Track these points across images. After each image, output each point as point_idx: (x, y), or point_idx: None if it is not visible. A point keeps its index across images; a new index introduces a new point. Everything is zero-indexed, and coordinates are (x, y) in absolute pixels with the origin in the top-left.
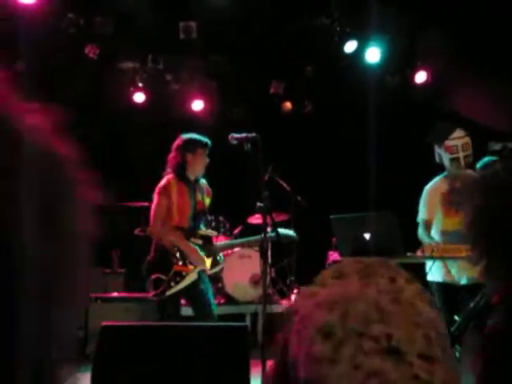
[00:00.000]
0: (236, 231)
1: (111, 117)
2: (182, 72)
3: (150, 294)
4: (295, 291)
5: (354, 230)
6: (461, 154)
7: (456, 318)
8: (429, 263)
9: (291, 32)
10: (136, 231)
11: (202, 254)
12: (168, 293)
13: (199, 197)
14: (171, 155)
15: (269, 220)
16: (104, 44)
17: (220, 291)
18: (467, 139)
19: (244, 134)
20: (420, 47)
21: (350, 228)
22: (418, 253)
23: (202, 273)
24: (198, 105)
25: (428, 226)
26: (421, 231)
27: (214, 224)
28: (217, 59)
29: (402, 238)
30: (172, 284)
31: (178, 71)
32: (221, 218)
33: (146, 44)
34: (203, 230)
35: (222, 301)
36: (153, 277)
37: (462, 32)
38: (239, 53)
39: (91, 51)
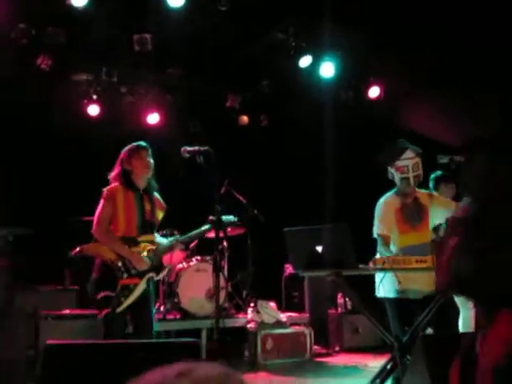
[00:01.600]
0: (192, 245)
1: (64, 129)
2: (137, 84)
3: (100, 314)
4: (251, 305)
5: (306, 242)
6: (411, 174)
7: (407, 328)
8: (378, 279)
9: (247, 46)
10: (73, 252)
11: (145, 258)
12: (119, 309)
13: (148, 206)
14: (113, 170)
15: (221, 234)
16: (57, 55)
17: (175, 306)
18: (417, 159)
19: (196, 147)
20: (373, 63)
21: (303, 241)
22: (370, 265)
23: (150, 282)
24: (153, 118)
25: (386, 241)
26: (380, 247)
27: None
28: (172, 72)
29: (354, 250)
30: (122, 299)
31: (133, 84)
32: (175, 232)
33: (100, 56)
34: (145, 236)
35: (178, 316)
36: (99, 296)
37: (413, 48)
38: (195, 66)
39: (43, 62)
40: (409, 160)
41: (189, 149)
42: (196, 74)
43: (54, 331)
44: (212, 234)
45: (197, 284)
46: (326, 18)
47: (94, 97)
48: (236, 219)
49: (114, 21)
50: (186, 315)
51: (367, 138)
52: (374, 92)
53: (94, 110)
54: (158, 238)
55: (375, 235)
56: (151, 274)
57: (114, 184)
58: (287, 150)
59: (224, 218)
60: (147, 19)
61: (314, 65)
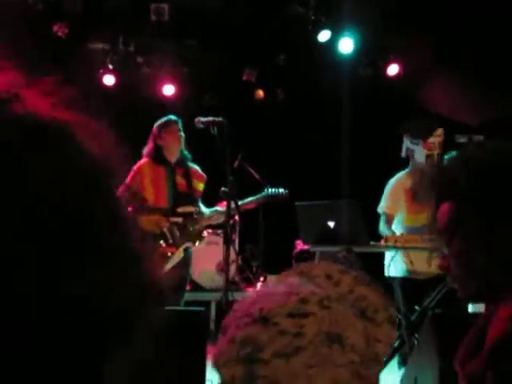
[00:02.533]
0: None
1: (80, 99)
2: (154, 55)
3: None
4: (261, 279)
5: (318, 217)
6: (436, 152)
7: (417, 307)
8: (388, 258)
9: (265, 19)
10: None
11: (179, 232)
12: None
13: (180, 179)
14: (147, 146)
15: (233, 205)
16: (73, 23)
17: None
18: (443, 137)
19: (211, 118)
20: (392, 40)
21: (315, 215)
22: (382, 242)
23: (189, 251)
24: (169, 89)
25: (389, 219)
26: (382, 224)
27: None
28: (189, 44)
29: (367, 227)
30: None
31: (150, 54)
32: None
33: (116, 25)
34: (184, 207)
35: (188, 287)
36: None
37: (435, 26)
38: (212, 38)
39: (60, 30)
40: (438, 137)
41: (203, 119)
42: (212, 47)
43: None
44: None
45: (208, 257)
46: None
47: (110, 66)
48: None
49: None
50: (197, 287)
51: (385, 115)
52: (393, 69)
53: (109, 79)
54: (203, 209)
55: (380, 211)
56: (188, 244)
57: (143, 160)
58: (303, 126)
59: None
60: None
61: (333, 40)
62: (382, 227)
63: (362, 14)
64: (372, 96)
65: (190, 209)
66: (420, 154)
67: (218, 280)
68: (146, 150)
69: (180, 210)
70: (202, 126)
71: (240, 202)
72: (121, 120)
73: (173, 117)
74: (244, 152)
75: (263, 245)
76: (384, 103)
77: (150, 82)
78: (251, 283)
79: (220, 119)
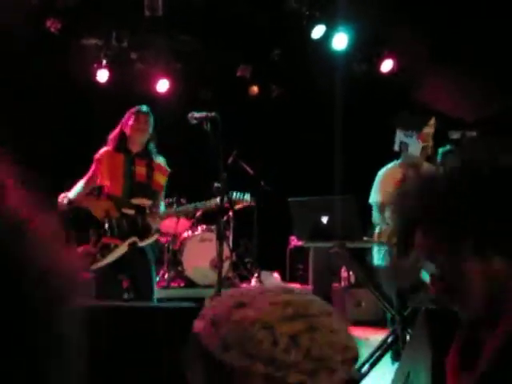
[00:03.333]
0: (198, 214)
1: (73, 95)
2: (148, 50)
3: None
4: (255, 275)
5: (311, 213)
6: (430, 143)
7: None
8: (379, 251)
9: (259, 14)
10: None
11: (105, 211)
12: (94, 266)
13: (141, 170)
14: (113, 132)
15: (226, 201)
16: (66, 19)
17: (179, 274)
18: (434, 129)
19: (204, 113)
20: (387, 36)
21: (308, 211)
22: (375, 237)
23: (149, 248)
24: (163, 85)
25: (382, 208)
26: (375, 214)
27: (175, 206)
28: (183, 39)
29: (360, 222)
30: (98, 257)
31: (144, 49)
32: (182, 200)
33: (110, 20)
34: (139, 199)
35: (182, 284)
36: (80, 249)
37: (429, 22)
38: (206, 34)
39: (53, 25)
40: (431, 127)
41: (196, 115)
42: (207, 42)
43: None
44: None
45: (201, 253)
46: None
47: (104, 62)
48: (247, 196)
49: None
50: (190, 283)
51: (379, 111)
52: (387, 65)
53: (103, 75)
54: (161, 206)
55: (371, 202)
56: (133, 239)
57: (104, 149)
58: (297, 121)
59: (236, 195)
60: None
61: (327, 36)
62: (375, 217)
63: (356, 9)
64: (366, 91)
65: (146, 202)
66: (415, 147)
67: (212, 276)
68: (111, 135)
69: (135, 201)
70: (195, 121)
71: (195, 205)
72: (115, 115)
73: (144, 107)
74: (238, 148)
75: (257, 241)
76: (378, 99)
77: (144, 77)
78: (245, 279)
79: (213, 114)
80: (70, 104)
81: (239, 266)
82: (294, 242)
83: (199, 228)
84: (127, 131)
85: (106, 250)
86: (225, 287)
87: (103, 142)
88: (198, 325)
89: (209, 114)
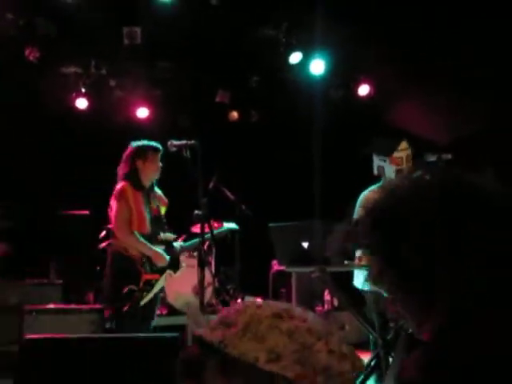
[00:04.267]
0: (179, 241)
1: (52, 123)
2: (127, 78)
3: (125, 307)
4: (238, 301)
5: (292, 238)
6: (405, 166)
7: (391, 325)
8: (361, 274)
9: (237, 41)
10: (102, 245)
11: (165, 255)
12: (141, 303)
13: (154, 203)
14: (122, 165)
15: (207, 228)
16: (45, 47)
17: (162, 302)
18: (410, 151)
19: (183, 141)
20: (363, 61)
21: (288, 236)
22: (356, 261)
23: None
24: (142, 112)
25: None
26: None
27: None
28: (162, 66)
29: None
30: (144, 294)
31: (123, 77)
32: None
33: (89, 48)
34: (162, 234)
35: (164, 312)
36: (125, 289)
37: (403, 45)
38: (185, 61)
39: (31, 54)
40: (403, 151)
41: (175, 143)
42: (186, 69)
43: (39, 326)
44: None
45: (183, 280)
46: (317, 15)
47: (83, 90)
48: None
49: (103, 13)
50: (172, 311)
51: (357, 135)
52: (363, 90)
53: (82, 103)
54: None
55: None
56: (170, 272)
57: (122, 183)
58: (276, 147)
59: (226, 226)
60: (137, 12)
61: (305, 62)
62: None
63: (332, 36)
64: (344, 116)
65: (170, 236)
66: (389, 171)
67: (195, 303)
68: (123, 169)
69: (162, 236)
70: (174, 149)
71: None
72: (94, 143)
73: (158, 145)
74: (219, 173)
75: (240, 266)
76: (356, 123)
77: (123, 105)
78: (228, 305)
79: (193, 142)
80: (50, 132)
81: (222, 292)
82: (276, 266)
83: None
84: (141, 168)
85: (149, 285)
86: (207, 313)
87: (83, 169)
88: (217, 334)
89: (188, 142)
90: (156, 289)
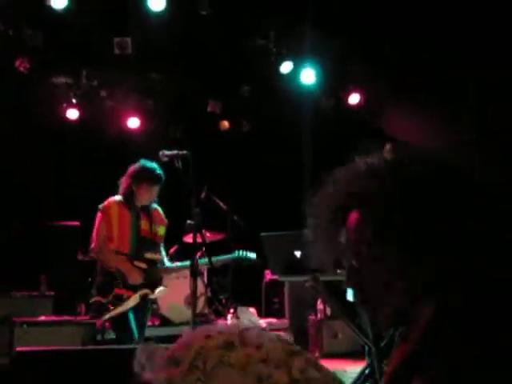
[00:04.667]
0: (171, 251)
1: (43, 133)
2: (118, 88)
3: (87, 317)
4: (231, 311)
5: (284, 247)
6: None
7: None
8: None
9: (228, 51)
10: (79, 257)
11: (139, 273)
12: (105, 316)
13: (144, 224)
14: (123, 179)
15: (199, 238)
16: (35, 58)
17: (155, 312)
18: (395, 154)
19: (175, 151)
20: (353, 70)
21: (281, 246)
22: None
23: (149, 300)
24: (133, 122)
25: None
26: None
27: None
28: (153, 76)
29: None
30: (111, 307)
31: (114, 87)
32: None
33: (79, 59)
34: (151, 254)
35: (157, 322)
36: (92, 300)
37: (393, 55)
38: (176, 71)
39: (21, 65)
40: (388, 153)
41: (167, 153)
42: (177, 79)
43: (29, 338)
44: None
45: (176, 290)
46: (307, 25)
47: (74, 100)
48: (254, 256)
49: (94, 23)
50: (165, 321)
51: (348, 144)
52: (354, 99)
53: (73, 113)
54: (164, 259)
55: None
56: (146, 291)
57: (110, 199)
58: (268, 156)
59: (245, 253)
60: (128, 22)
61: (295, 71)
62: None
63: (322, 44)
64: (334, 125)
65: (156, 256)
66: None
67: (187, 313)
68: (122, 184)
69: (148, 255)
70: (166, 159)
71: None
72: (85, 154)
73: (158, 176)
74: (210, 183)
75: (232, 276)
76: (346, 132)
77: (115, 115)
78: (221, 315)
79: (184, 152)
80: (40, 143)
81: (214, 302)
82: (269, 275)
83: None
84: (137, 192)
85: (119, 300)
86: (200, 324)
87: (73, 180)
88: (161, 376)
89: (179, 152)
90: (128, 305)
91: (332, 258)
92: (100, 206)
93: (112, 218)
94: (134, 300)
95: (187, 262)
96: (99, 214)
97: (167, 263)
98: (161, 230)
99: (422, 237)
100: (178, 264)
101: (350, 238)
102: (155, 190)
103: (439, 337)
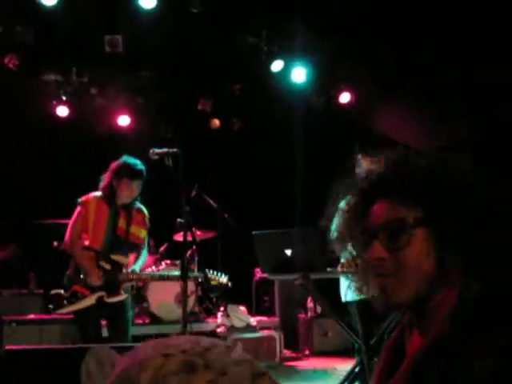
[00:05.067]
0: (161, 249)
1: (33, 131)
2: (108, 86)
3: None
4: (221, 309)
5: (275, 246)
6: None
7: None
8: (344, 284)
9: (219, 49)
10: (54, 244)
11: (100, 275)
12: (59, 311)
13: (122, 223)
14: (105, 174)
15: (190, 236)
16: (25, 55)
17: (144, 311)
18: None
19: (165, 149)
20: (344, 69)
21: (272, 244)
22: (338, 268)
23: (103, 302)
24: (124, 120)
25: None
26: None
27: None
28: (143, 74)
29: (323, 253)
30: (65, 303)
31: (104, 85)
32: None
33: (70, 56)
34: (118, 256)
35: (147, 321)
36: (52, 291)
37: (383, 54)
38: (166, 69)
39: (11, 62)
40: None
41: (157, 151)
42: (167, 77)
43: (19, 337)
44: (181, 238)
45: (166, 289)
46: (298, 24)
47: (64, 98)
48: (225, 279)
49: (84, 21)
50: (155, 320)
51: (338, 142)
52: (344, 98)
53: (63, 111)
54: (136, 266)
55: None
56: (101, 293)
57: (91, 194)
58: (258, 154)
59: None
60: (118, 20)
61: (286, 70)
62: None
63: (313, 43)
64: (325, 124)
65: (124, 260)
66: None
67: (177, 312)
68: (102, 182)
69: (114, 256)
70: (156, 157)
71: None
72: (75, 151)
73: (139, 171)
74: (201, 181)
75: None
76: (337, 130)
77: (105, 113)
78: (211, 313)
79: (174, 150)
80: (30, 140)
81: (205, 301)
82: (260, 273)
83: (163, 263)
84: (117, 187)
85: (74, 297)
86: (190, 322)
87: (62, 177)
88: None
89: (170, 150)
90: (80, 305)
91: (344, 244)
92: (79, 200)
93: (89, 213)
94: (88, 300)
95: (154, 273)
96: (78, 208)
97: (136, 268)
98: (139, 233)
99: (458, 231)
100: (145, 273)
101: (380, 222)
102: (136, 185)
103: (458, 329)
